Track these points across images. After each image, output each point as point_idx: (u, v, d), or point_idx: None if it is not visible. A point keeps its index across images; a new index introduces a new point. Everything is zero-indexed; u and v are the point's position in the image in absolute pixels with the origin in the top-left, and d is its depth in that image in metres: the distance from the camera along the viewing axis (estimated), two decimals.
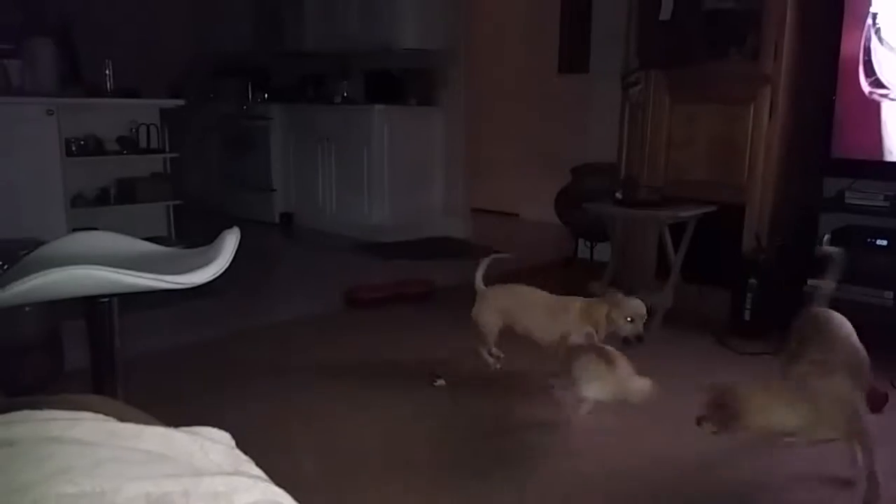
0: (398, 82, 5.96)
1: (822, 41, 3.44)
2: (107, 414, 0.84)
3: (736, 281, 3.43)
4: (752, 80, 3.48)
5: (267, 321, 3.65)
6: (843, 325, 2.15)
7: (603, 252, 4.61)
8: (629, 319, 2.64)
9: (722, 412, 1.87)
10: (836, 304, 2.32)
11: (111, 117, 4.65)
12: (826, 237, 3.38)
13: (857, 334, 2.14)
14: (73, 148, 4.37)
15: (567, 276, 4.37)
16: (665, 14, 3.77)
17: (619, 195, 3.76)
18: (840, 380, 1.93)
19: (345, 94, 6.28)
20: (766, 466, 2.22)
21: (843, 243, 3.33)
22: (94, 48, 5.32)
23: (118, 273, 1.38)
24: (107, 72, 4.76)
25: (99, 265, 1.38)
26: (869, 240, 3.30)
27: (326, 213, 6.03)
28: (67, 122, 4.25)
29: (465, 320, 3.01)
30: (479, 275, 2.91)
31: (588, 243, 4.94)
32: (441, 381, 2.81)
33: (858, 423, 1.95)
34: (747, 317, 3.38)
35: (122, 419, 0.83)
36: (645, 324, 2.70)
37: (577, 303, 2.74)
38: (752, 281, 3.34)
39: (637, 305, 2.69)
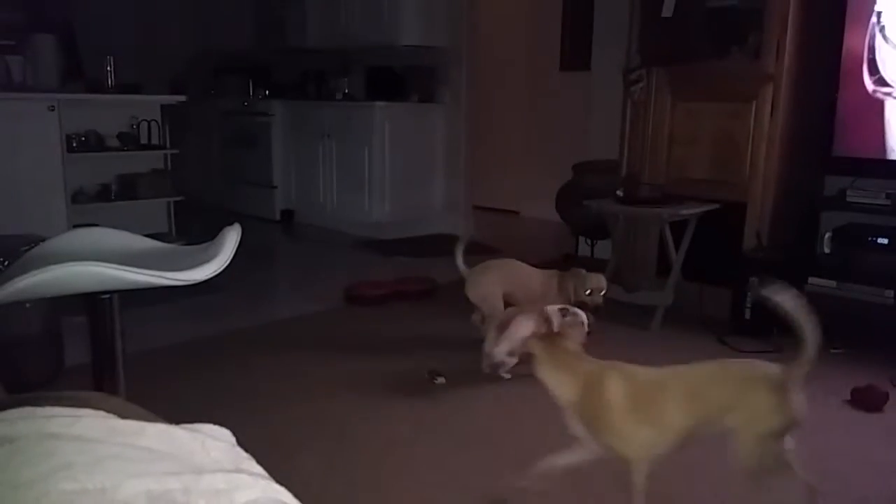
0: (400, 79, 5.96)
1: (824, 39, 3.43)
2: (108, 411, 0.84)
3: (737, 279, 3.43)
4: (753, 78, 3.48)
5: (267, 318, 3.65)
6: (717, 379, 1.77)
7: (603, 249, 4.61)
8: (588, 292, 2.98)
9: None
10: (836, 306, 2.30)
11: (112, 113, 4.65)
12: (827, 236, 3.38)
13: (859, 333, 2.08)
14: (74, 144, 4.36)
15: None
16: (667, 11, 3.76)
17: (620, 193, 3.76)
18: (613, 396, 1.71)
19: (346, 91, 6.28)
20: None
21: (844, 241, 3.35)
22: (96, 44, 5.32)
23: (120, 270, 1.38)
24: (108, 68, 4.76)
25: (100, 262, 1.38)
26: (870, 238, 3.30)
27: (327, 209, 6.03)
28: (68, 117, 4.24)
29: (466, 318, 3.01)
30: (459, 261, 3.12)
31: (589, 241, 4.94)
32: (442, 379, 2.80)
33: (634, 454, 1.73)
34: (748, 316, 3.39)
35: (123, 416, 0.83)
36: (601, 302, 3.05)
37: (556, 276, 3.09)
38: (753, 279, 3.34)
39: (596, 279, 3.02)
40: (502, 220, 6.76)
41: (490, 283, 3.08)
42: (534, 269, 3.19)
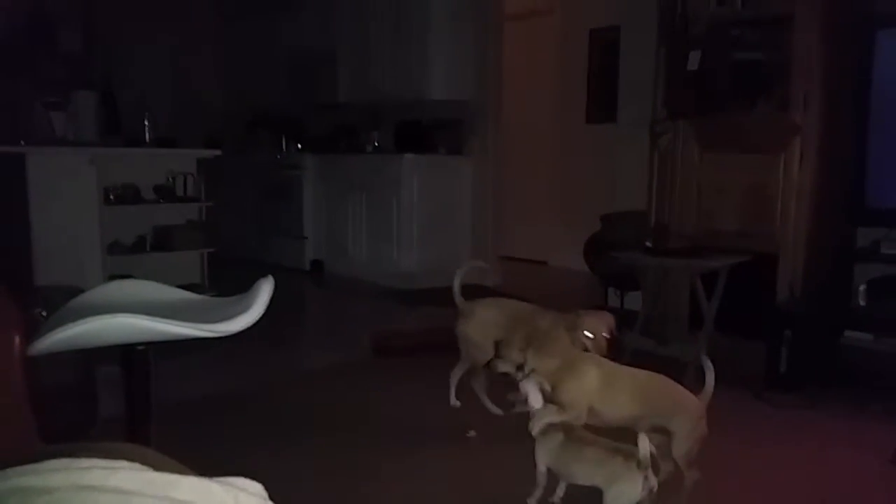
0: (428, 132, 6.05)
1: (852, 89, 3.43)
2: (143, 462, 0.85)
3: (771, 332, 3.37)
4: (781, 130, 3.48)
5: (296, 369, 3.66)
6: None
7: (633, 301, 4.57)
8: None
9: None
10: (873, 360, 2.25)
11: (149, 166, 4.79)
12: (862, 288, 3.32)
13: None
14: (112, 196, 4.49)
15: None
16: (692, 65, 3.80)
17: (649, 244, 3.75)
18: None
19: (376, 144, 6.39)
20: None
21: (880, 294, 3.28)
22: (135, 100, 5.50)
23: (158, 322, 1.41)
24: (146, 123, 4.92)
25: (137, 314, 1.41)
26: None
27: (356, 259, 6.08)
28: (107, 171, 4.37)
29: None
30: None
31: (618, 292, 4.90)
32: (472, 433, 2.77)
33: None
34: (783, 369, 3.31)
35: (156, 468, 0.84)
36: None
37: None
38: (787, 332, 3.28)
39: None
40: (530, 270, 6.75)
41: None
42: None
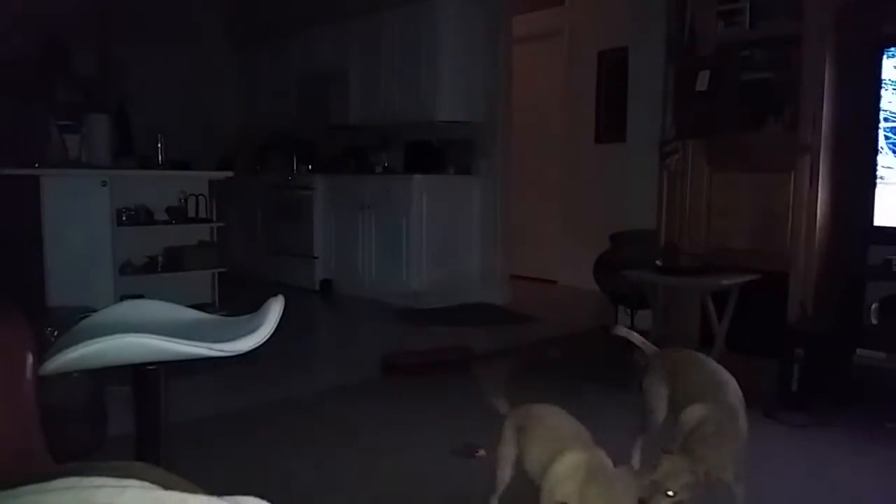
0: (437, 152, 6.09)
1: (861, 108, 3.43)
2: (151, 481, 0.86)
3: (782, 351, 3.35)
4: (791, 149, 3.48)
5: (305, 388, 3.66)
6: None
7: (643, 319, 4.56)
8: None
9: None
10: (887, 378, 2.22)
11: (161, 188, 4.83)
12: (874, 306, 3.30)
13: None
14: (124, 217, 4.53)
15: (606, 344, 4.30)
16: (701, 85, 3.82)
17: (659, 262, 3.74)
18: None
19: (385, 164, 6.43)
20: None
21: (893, 312, 3.26)
22: (148, 123, 5.56)
23: (169, 341, 1.42)
24: (158, 145, 4.97)
25: (148, 333, 1.42)
26: None
27: (366, 279, 6.10)
28: (119, 192, 4.42)
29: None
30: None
31: (628, 311, 4.89)
32: (482, 452, 2.76)
33: None
34: (795, 388, 3.29)
35: (166, 487, 0.84)
36: None
37: None
38: (799, 351, 3.25)
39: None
40: (540, 289, 6.75)
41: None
42: None
